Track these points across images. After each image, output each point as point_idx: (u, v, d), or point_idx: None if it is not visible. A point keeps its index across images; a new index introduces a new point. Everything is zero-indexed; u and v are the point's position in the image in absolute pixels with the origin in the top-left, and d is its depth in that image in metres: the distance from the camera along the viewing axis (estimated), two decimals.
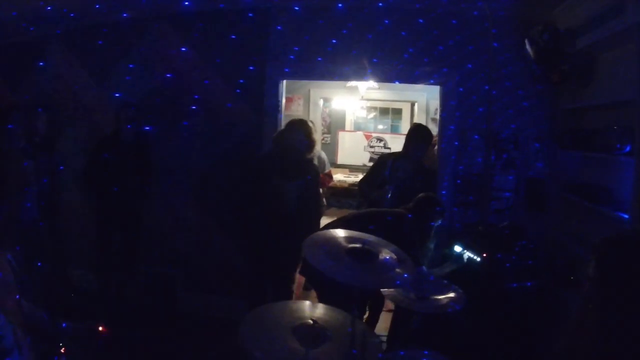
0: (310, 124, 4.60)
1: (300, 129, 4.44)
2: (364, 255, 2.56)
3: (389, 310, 4.99)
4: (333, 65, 5.19)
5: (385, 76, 5.39)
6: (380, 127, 11.53)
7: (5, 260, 1.94)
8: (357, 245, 2.62)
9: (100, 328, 2.14)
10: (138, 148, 5.02)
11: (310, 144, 4.46)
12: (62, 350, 2.06)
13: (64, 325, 2.11)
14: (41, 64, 5.29)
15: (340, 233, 2.78)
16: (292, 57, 5.25)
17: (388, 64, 5.13)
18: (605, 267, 1.96)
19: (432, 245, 4.12)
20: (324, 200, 6.69)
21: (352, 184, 9.27)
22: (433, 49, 5.06)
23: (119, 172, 4.90)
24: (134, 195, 5.01)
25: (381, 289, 3.26)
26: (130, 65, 5.47)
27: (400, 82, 5.70)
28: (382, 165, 5.18)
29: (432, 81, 5.24)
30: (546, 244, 4.76)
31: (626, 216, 3.58)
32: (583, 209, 4.35)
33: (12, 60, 5.46)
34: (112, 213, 5.03)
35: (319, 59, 5.17)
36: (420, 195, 4.10)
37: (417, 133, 5.13)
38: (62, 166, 5.07)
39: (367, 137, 11.09)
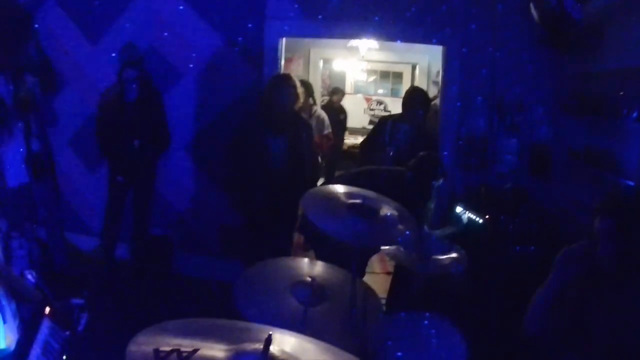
0: (298, 82, 4.52)
1: (285, 83, 4.38)
2: (365, 212, 2.48)
3: (388, 273, 4.97)
4: (334, 23, 5.07)
5: (387, 35, 5.32)
6: (381, 91, 11.44)
7: None
8: (358, 201, 2.53)
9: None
10: (144, 107, 4.92)
11: (296, 97, 4.41)
12: (46, 311, 2.00)
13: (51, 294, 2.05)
14: (36, 26, 5.13)
15: (339, 189, 2.70)
16: (291, 14, 5.13)
17: (390, 23, 5.00)
18: (624, 224, 1.92)
19: (432, 206, 4.06)
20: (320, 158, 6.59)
21: (352, 147, 9.20)
22: (436, 9, 4.94)
23: (126, 132, 4.86)
24: (143, 155, 4.95)
25: (382, 247, 3.21)
26: (126, 24, 5.35)
27: (402, 42, 5.64)
28: (382, 128, 5.16)
29: (434, 41, 5.19)
30: (550, 210, 4.71)
31: (632, 183, 3.52)
32: (588, 176, 4.29)
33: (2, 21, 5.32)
34: (122, 174, 5.01)
35: (320, 16, 5.04)
36: (421, 153, 4.03)
37: (413, 99, 5.04)
38: (57, 127, 4.96)
39: (367, 100, 11.04)
